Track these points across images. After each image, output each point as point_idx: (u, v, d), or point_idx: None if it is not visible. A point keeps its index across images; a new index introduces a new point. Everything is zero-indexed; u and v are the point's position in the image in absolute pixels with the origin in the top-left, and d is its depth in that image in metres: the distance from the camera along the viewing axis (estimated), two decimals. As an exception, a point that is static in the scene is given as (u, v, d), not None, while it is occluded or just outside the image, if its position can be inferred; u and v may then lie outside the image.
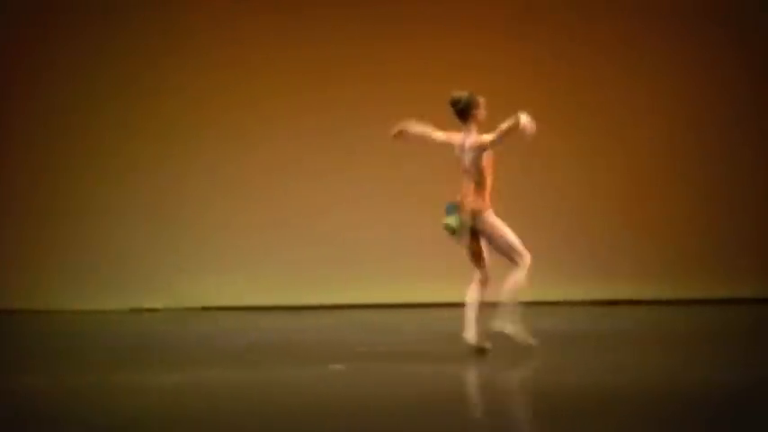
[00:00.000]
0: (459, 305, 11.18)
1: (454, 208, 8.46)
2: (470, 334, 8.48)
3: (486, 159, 8.48)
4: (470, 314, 8.49)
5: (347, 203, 12.31)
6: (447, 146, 8.62)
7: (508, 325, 8.40)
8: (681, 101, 12.27)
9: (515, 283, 8.44)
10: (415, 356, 8.67)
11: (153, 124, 12.54)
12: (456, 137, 8.59)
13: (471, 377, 7.88)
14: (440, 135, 8.67)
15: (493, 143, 8.39)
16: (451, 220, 8.43)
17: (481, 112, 8.52)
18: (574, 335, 9.91)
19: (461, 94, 8.54)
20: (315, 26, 12.39)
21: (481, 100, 8.52)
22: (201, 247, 12.44)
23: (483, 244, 8.52)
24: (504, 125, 8.29)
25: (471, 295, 8.56)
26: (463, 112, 8.54)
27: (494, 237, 8.47)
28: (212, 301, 12.41)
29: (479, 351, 8.47)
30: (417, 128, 8.71)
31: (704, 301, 11.84)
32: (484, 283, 8.56)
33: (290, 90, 12.39)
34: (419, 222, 11.43)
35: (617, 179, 12.30)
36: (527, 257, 8.46)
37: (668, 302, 11.93)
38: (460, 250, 11.34)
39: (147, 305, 12.44)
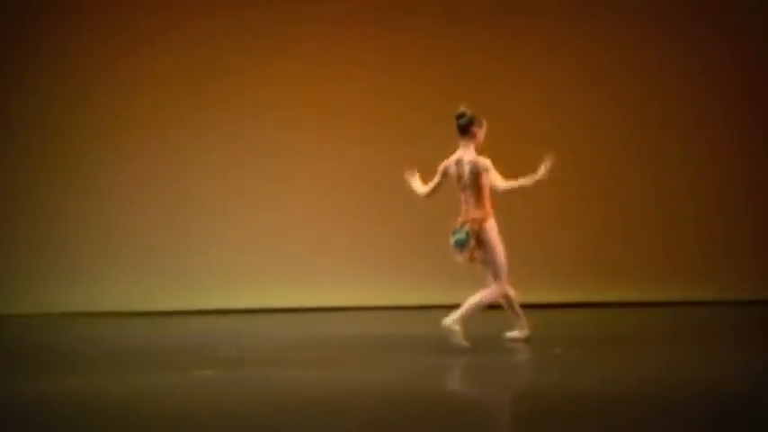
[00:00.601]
0: (334, 309, 11.86)
1: (461, 227, 8.88)
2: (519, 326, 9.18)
3: (486, 178, 8.86)
4: (515, 310, 9.12)
5: (222, 208, 12.13)
6: (445, 174, 8.99)
7: (455, 325, 8.70)
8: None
9: (483, 298, 8.84)
10: (284, 362, 8.62)
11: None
12: (451, 159, 8.95)
13: (340, 382, 7.72)
14: (437, 178, 9.02)
15: (500, 189, 8.84)
16: (461, 234, 8.85)
17: (481, 133, 8.94)
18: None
19: (467, 109, 8.94)
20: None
21: (484, 122, 8.96)
22: (74, 251, 12.07)
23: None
24: (522, 182, 8.81)
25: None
26: (465, 128, 8.93)
27: (489, 248, 8.85)
28: (78, 306, 11.99)
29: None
30: (423, 188, 9.14)
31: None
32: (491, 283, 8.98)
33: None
34: (294, 228, 11.88)
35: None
36: (503, 284, 8.89)
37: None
38: (334, 256, 12.03)
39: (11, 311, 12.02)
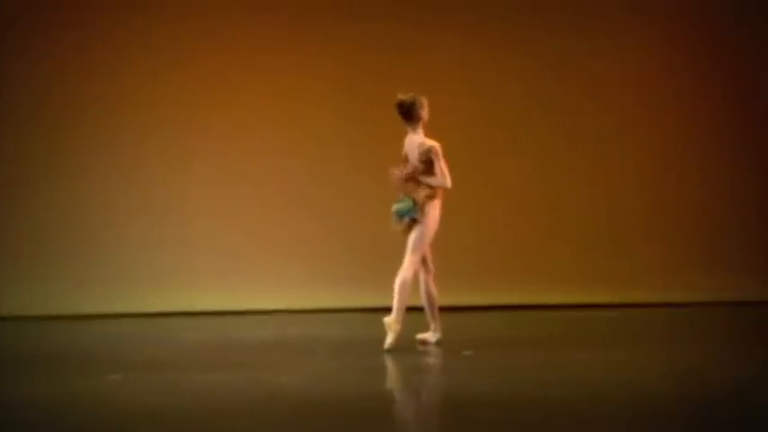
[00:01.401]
0: (243, 313, 11.74)
1: (406, 198, 8.91)
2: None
3: (436, 162, 8.87)
4: (434, 312, 9.15)
5: (136, 210, 12.02)
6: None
7: (396, 324, 8.80)
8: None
9: (403, 278, 8.84)
10: (198, 365, 8.55)
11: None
12: (405, 143, 9.02)
13: (254, 385, 7.69)
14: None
15: (428, 176, 8.88)
16: (405, 203, 8.89)
17: (425, 112, 8.97)
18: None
19: (405, 96, 8.94)
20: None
21: (424, 100, 8.97)
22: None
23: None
24: (435, 182, 8.87)
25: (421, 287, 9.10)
26: (409, 114, 8.96)
27: (423, 224, 8.87)
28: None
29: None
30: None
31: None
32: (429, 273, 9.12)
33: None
34: (211, 231, 11.80)
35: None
36: (413, 267, 8.90)
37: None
38: (252, 259, 11.95)
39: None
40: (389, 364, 8.47)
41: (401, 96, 8.92)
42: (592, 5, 12.18)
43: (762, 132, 12.15)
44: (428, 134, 8.99)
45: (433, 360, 8.69)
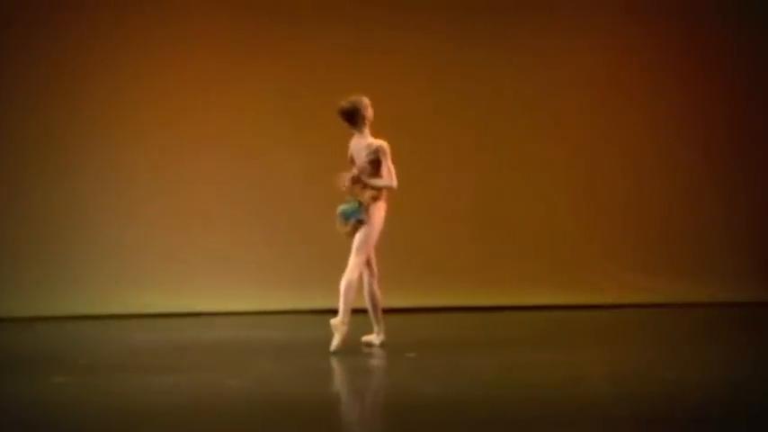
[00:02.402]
0: (190, 315, 11.62)
1: (353, 199, 8.92)
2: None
3: (384, 162, 8.88)
4: (377, 314, 9.14)
5: (75, 213, 11.89)
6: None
7: (343, 326, 8.80)
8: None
9: (348, 280, 8.83)
10: (142, 367, 8.50)
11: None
12: (351, 145, 9.03)
13: (199, 387, 7.68)
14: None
15: (375, 178, 8.89)
16: (351, 205, 8.90)
17: (370, 112, 8.97)
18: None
19: (345, 103, 8.92)
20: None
21: (366, 101, 8.95)
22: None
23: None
24: (381, 183, 8.88)
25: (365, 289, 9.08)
26: (353, 118, 8.93)
27: (368, 225, 8.86)
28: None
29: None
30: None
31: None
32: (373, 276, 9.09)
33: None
34: (155, 232, 11.69)
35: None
36: (358, 269, 8.89)
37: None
38: (197, 261, 11.86)
39: None
40: (335, 365, 8.49)
41: (341, 103, 8.91)
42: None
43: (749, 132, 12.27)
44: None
45: (377, 362, 8.73)
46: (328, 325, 8.79)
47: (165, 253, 11.85)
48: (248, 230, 11.97)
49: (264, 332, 10.60)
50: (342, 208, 8.93)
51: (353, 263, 8.89)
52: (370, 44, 12.04)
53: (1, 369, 8.56)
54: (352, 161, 9.03)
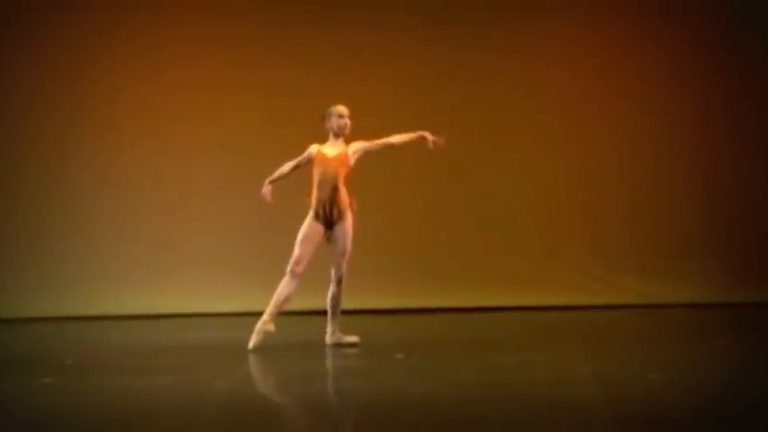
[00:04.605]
0: (179, 316, 11.69)
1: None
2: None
3: (348, 169, 8.92)
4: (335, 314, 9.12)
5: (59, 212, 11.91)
6: (305, 166, 9.02)
7: (338, 334, 9.05)
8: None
9: (337, 295, 8.97)
10: (127, 369, 8.50)
11: None
12: (321, 151, 8.97)
13: (182, 388, 7.65)
14: (290, 164, 9.07)
15: (370, 149, 8.96)
16: None
17: (332, 121, 8.94)
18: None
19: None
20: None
21: (329, 110, 8.93)
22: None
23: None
24: (397, 139, 8.98)
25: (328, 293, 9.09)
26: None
27: (345, 239, 8.87)
28: None
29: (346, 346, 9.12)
30: (274, 175, 9.10)
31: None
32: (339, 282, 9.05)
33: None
34: (138, 232, 11.76)
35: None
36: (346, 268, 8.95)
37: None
38: (177, 261, 11.92)
39: None
40: (322, 367, 8.54)
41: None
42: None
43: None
44: (384, 135, 9.06)
45: (365, 363, 8.72)
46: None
47: (165, 253, 11.89)
48: (235, 231, 11.99)
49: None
50: None
51: (338, 276, 8.98)
52: (364, 47, 12.08)
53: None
54: (323, 170, 9.01)
